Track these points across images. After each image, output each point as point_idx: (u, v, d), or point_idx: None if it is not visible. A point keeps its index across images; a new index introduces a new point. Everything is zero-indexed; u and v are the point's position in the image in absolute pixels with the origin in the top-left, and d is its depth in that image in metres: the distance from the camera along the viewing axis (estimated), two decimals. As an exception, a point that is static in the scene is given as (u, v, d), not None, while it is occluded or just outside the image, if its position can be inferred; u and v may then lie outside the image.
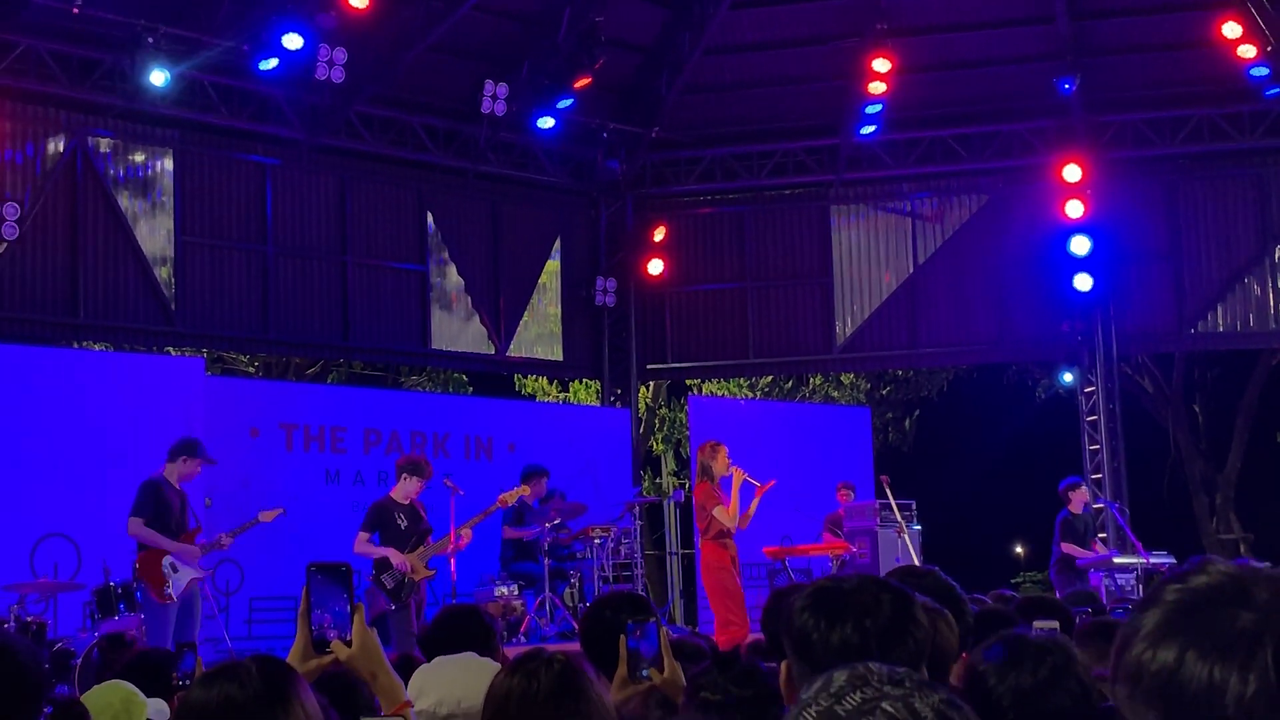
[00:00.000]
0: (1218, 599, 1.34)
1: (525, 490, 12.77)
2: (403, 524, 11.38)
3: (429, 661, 4.06)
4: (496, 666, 3.88)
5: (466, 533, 11.64)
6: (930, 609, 2.74)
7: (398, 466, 11.71)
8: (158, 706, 4.40)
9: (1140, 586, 13.53)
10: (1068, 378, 17.70)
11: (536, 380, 24.85)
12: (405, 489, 11.43)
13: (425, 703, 3.45)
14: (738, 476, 11.54)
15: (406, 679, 3.45)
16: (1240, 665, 1.28)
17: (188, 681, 4.49)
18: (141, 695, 4.30)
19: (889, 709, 1.53)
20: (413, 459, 12.01)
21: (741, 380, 24.88)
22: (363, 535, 11.40)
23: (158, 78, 13.77)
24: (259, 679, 2.63)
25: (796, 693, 2.71)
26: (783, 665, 2.78)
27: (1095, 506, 15.50)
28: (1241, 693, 1.27)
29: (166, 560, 10.52)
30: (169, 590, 10.46)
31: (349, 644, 3.04)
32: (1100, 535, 15.65)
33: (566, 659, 3.05)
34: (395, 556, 11.23)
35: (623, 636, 3.61)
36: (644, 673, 3.60)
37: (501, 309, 17.29)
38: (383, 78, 15.47)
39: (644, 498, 17.84)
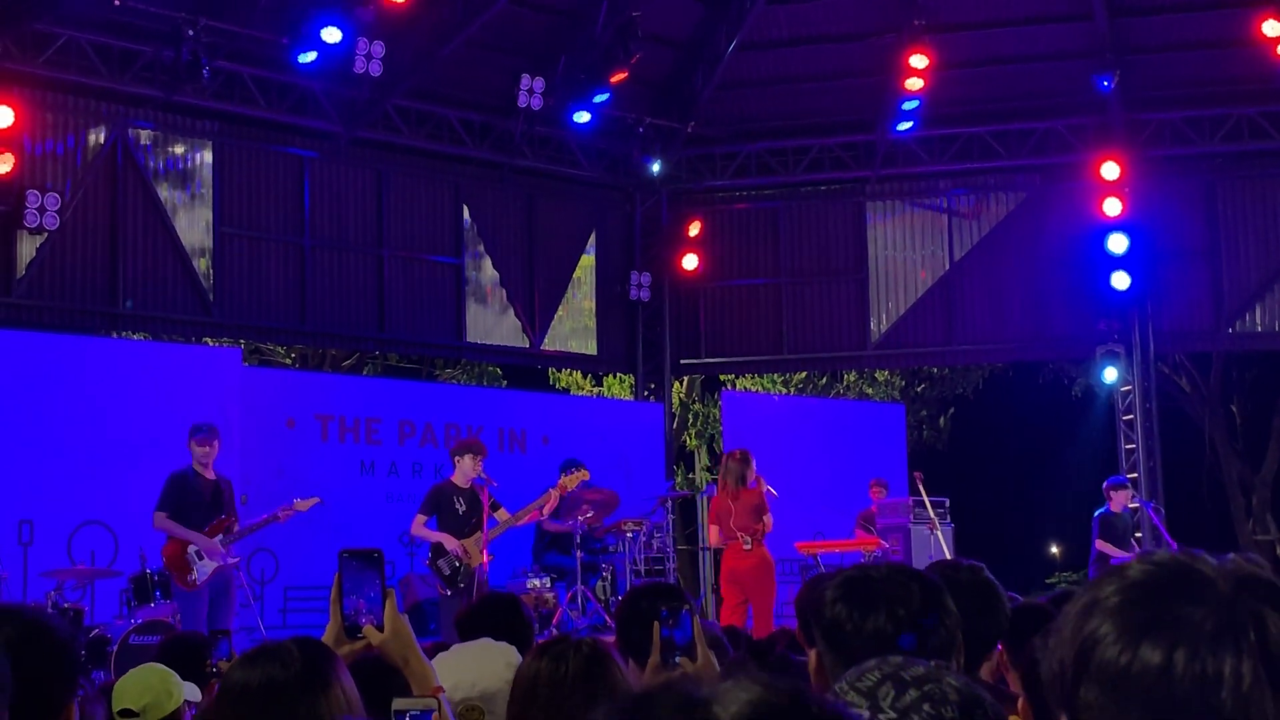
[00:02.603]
0: (1179, 592, 1.31)
1: (585, 475, 12.73)
2: (461, 509, 11.47)
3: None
4: (510, 650, 3.90)
5: (503, 524, 11.71)
6: None
7: (452, 452, 11.93)
8: (190, 690, 4.45)
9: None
10: (1109, 375, 17.54)
11: (570, 374, 24.90)
12: (463, 471, 11.55)
13: (440, 689, 3.48)
14: (761, 485, 12.21)
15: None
16: (1231, 655, 1.26)
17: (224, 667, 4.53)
18: (177, 677, 4.35)
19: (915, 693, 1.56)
20: (463, 440, 12.34)
21: (775, 376, 24.85)
22: (420, 518, 11.61)
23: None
24: (300, 660, 2.66)
25: (827, 681, 2.73)
26: (812, 654, 2.79)
27: (1131, 506, 15.40)
28: (1238, 683, 1.25)
29: (191, 548, 10.64)
30: (193, 577, 10.60)
31: (381, 630, 3.07)
32: (1136, 535, 15.57)
33: (594, 643, 3.08)
34: (450, 541, 11.33)
35: (656, 624, 3.63)
36: (676, 660, 3.62)
37: (536, 303, 17.33)
38: (420, 71, 15.52)
39: (676, 492, 17.88)
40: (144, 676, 4.32)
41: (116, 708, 4.23)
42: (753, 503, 12.03)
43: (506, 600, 4.84)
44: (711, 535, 12.50)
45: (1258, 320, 17.51)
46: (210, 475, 10.92)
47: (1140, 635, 1.29)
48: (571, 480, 12.37)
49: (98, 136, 14.29)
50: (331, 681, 2.65)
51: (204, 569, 10.63)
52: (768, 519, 12.02)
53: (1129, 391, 17.53)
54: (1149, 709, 1.28)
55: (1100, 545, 13.98)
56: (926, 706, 1.58)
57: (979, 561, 3.82)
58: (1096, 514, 14.16)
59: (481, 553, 11.38)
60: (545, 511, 12.33)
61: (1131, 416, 17.48)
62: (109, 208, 14.29)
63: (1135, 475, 17.06)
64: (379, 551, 3.13)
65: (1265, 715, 1.26)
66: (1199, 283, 17.51)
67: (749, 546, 11.94)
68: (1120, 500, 14.28)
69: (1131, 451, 17.44)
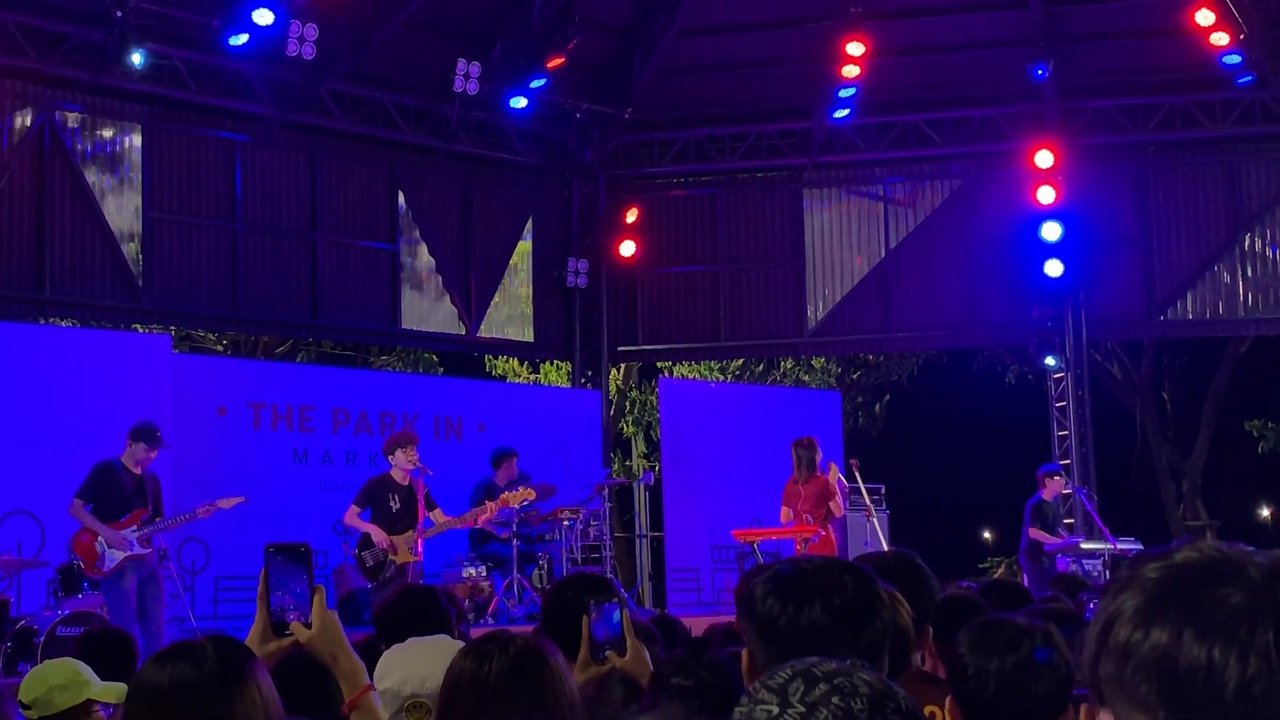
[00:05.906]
0: (1208, 577, 1.31)
1: (531, 495, 12.65)
2: (395, 506, 11.40)
3: (383, 641, 4.02)
4: None
5: (438, 526, 11.63)
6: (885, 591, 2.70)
7: (383, 451, 11.83)
8: (119, 690, 4.34)
9: (1107, 572, 13.59)
10: (1050, 361, 17.63)
11: (507, 361, 24.79)
12: (400, 465, 11.47)
13: (389, 682, 3.41)
14: (833, 473, 12.80)
15: (371, 660, 3.41)
16: (1240, 646, 1.25)
17: None
18: (88, 672, 4.23)
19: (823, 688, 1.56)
20: (394, 435, 12.27)
21: (712, 363, 24.87)
22: (353, 509, 11.55)
23: (137, 58, 13.69)
24: (215, 659, 2.57)
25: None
26: (744, 653, 2.73)
27: (1064, 492, 15.53)
28: (1242, 675, 1.25)
29: (99, 539, 10.49)
30: (99, 565, 10.42)
31: (309, 626, 2.99)
32: (1067, 521, 15.71)
33: (527, 641, 3.00)
34: (378, 535, 11.24)
35: (585, 618, 3.58)
36: (604, 655, 3.56)
37: (472, 289, 17.21)
38: (354, 54, 15.35)
39: (614, 480, 17.82)
40: (51, 672, 4.20)
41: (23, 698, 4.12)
42: (818, 489, 12.60)
43: (422, 592, 4.79)
44: (783, 515, 13.00)
45: (1189, 308, 17.69)
46: (137, 471, 10.74)
47: (1155, 614, 1.30)
48: (514, 498, 12.32)
49: (24, 119, 14.02)
50: (248, 681, 2.56)
51: (112, 557, 10.46)
52: (834, 504, 12.61)
53: (1061, 378, 17.68)
54: (1157, 684, 1.28)
55: (1033, 533, 14.09)
56: (835, 699, 1.58)
57: (911, 550, 3.81)
58: (1029, 502, 14.25)
59: (411, 552, 11.30)
60: (481, 521, 12.30)
61: (1064, 403, 17.62)
62: (35, 191, 14.02)
63: (1068, 461, 17.21)
64: (306, 546, 3.05)
65: (1273, 711, 1.24)
66: (1131, 271, 17.68)
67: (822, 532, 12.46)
68: (1054, 488, 14.40)
69: (1064, 438, 17.58)
